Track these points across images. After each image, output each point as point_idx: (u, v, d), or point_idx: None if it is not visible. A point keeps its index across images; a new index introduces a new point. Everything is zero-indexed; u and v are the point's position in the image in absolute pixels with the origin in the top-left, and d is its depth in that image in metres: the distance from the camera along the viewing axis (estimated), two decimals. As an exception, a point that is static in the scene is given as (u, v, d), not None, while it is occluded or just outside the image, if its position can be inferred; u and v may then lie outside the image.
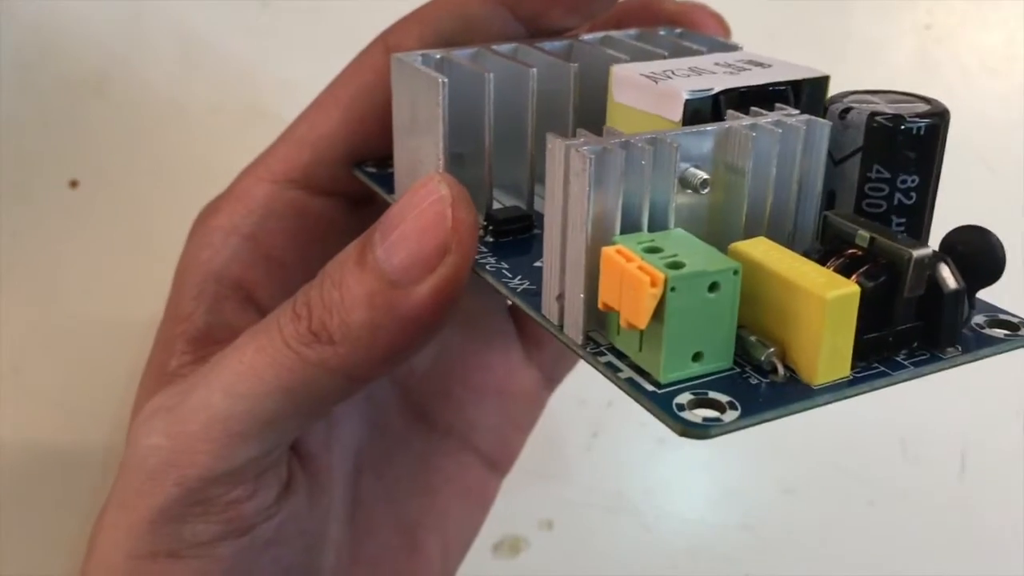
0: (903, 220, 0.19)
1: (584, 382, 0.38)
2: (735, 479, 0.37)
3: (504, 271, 0.20)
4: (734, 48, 0.24)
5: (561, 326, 0.18)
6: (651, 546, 0.36)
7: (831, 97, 0.20)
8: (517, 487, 0.36)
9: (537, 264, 0.20)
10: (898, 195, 0.19)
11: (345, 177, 0.25)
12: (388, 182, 0.24)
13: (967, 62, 0.49)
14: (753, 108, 0.19)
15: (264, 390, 0.21)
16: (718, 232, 0.18)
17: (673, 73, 0.20)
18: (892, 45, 0.49)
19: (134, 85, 0.41)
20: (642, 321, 0.16)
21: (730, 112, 0.19)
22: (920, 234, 0.20)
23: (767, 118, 0.19)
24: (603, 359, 0.17)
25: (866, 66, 0.48)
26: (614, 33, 0.24)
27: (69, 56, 0.41)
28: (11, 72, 0.40)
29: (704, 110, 0.19)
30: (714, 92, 0.19)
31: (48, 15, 0.42)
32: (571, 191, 0.17)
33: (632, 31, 0.25)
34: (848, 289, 0.16)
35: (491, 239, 0.22)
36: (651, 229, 0.18)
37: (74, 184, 0.39)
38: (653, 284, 0.16)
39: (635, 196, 0.17)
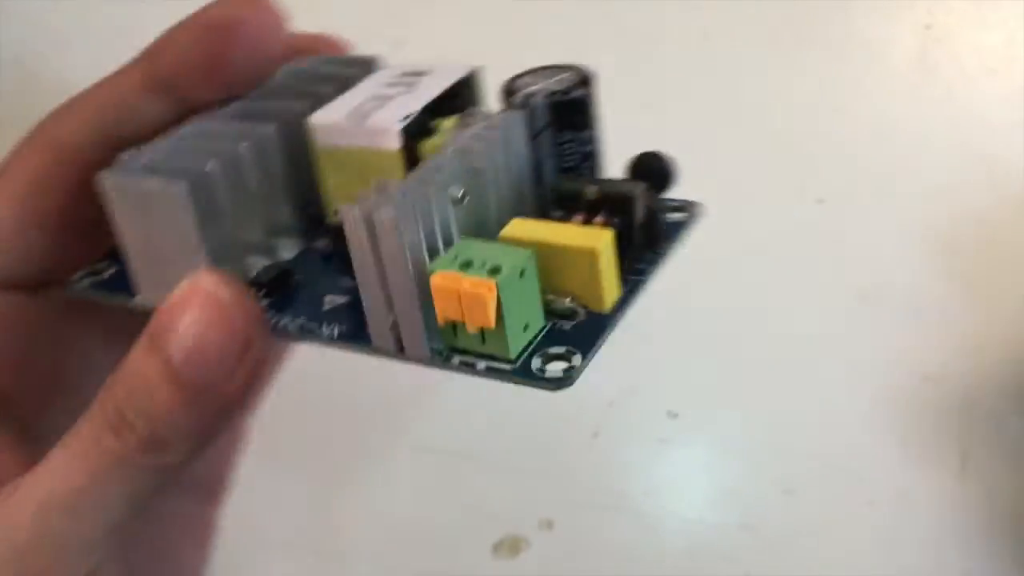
0: (588, 164, 0.24)
1: (584, 382, 0.38)
2: (735, 479, 0.38)
3: (307, 325, 0.23)
4: (373, 61, 0.27)
5: (402, 348, 0.21)
6: (651, 546, 0.36)
7: (503, 86, 0.24)
8: (517, 486, 0.36)
9: (328, 307, 0.23)
10: (581, 148, 0.24)
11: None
12: (116, 284, 0.25)
13: (967, 62, 0.49)
14: (457, 116, 0.23)
15: (100, 502, 0.22)
16: (477, 225, 0.22)
17: (365, 107, 0.24)
18: (892, 45, 0.49)
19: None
20: (492, 322, 0.20)
21: (442, 124, 0.23)
22: (602, 169, 0.25)
23: (478, 124, 0.23)
24: (454, 361, 0.21)
25: (866, 66, 0.48)
26: (270, 84, 0.26)
27: (69, 56, 0.41)
28: (11, 72, 0.40)
29: (413, 130, 0.23)
30: (417, 113, 0.23)
31: (47, 15, 0.42)
32: (384, 245, 0.20)
33: (280, 77, 0.27)
34: (606, 236, 0.21)
35: (265, 303, 0.23)
36: (445, 247, 0.21)
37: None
38: (490, 291, 0.20)
39: (430, 227, 0.21)
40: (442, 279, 0.20)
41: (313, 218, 0.25)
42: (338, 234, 0.21)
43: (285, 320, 0.23)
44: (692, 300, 0.41)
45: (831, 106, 0.46)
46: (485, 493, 0.36)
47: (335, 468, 0.35)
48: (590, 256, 0.22)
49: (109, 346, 0.26)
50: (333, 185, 0.24)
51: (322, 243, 0.25)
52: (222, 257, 0.23)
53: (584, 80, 0.24)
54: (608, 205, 0.23)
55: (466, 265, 0.21)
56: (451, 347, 0.21)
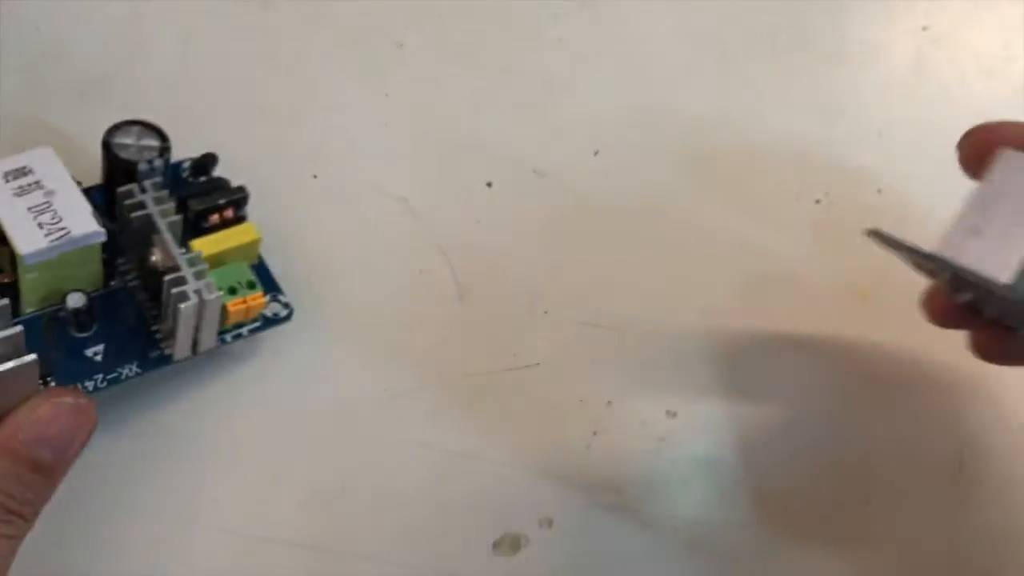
0: None
1: (584, 382, 0.38)
2: (735, 479, 0.38)
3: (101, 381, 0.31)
4: None
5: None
6: (651, 545, 0.36)
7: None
8: (517, 486, 0.36)
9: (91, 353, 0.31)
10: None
11: None
12: None
13: (964, 64, 0.49)
14: None
15: None
16: None
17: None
18: (889, 47, 0.49)
19: (134, 86, 0.41)
20: None
21: None
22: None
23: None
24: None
25: (863, 68, 0.48)
26: None
27: (69, 56, 0.41)
28: (11, 72, 0.40)
29: None
30: None
31: (48, 15, 0.42)
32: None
33: None
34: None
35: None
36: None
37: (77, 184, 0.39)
38: None
39: None
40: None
41: None
42: None
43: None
44: (692, 299, 0.41)
45: (829, 107, 0.46)
46: (485, 491, 0.36)
47: (334, 465, 0.35)
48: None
49: None
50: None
51: None
52: None
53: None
54: None
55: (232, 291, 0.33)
56: None
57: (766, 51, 0.48)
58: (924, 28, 0.49)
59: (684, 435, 0.38)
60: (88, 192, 0.32)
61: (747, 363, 0.40)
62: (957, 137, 0.32)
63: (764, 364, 0.40)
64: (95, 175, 0.35)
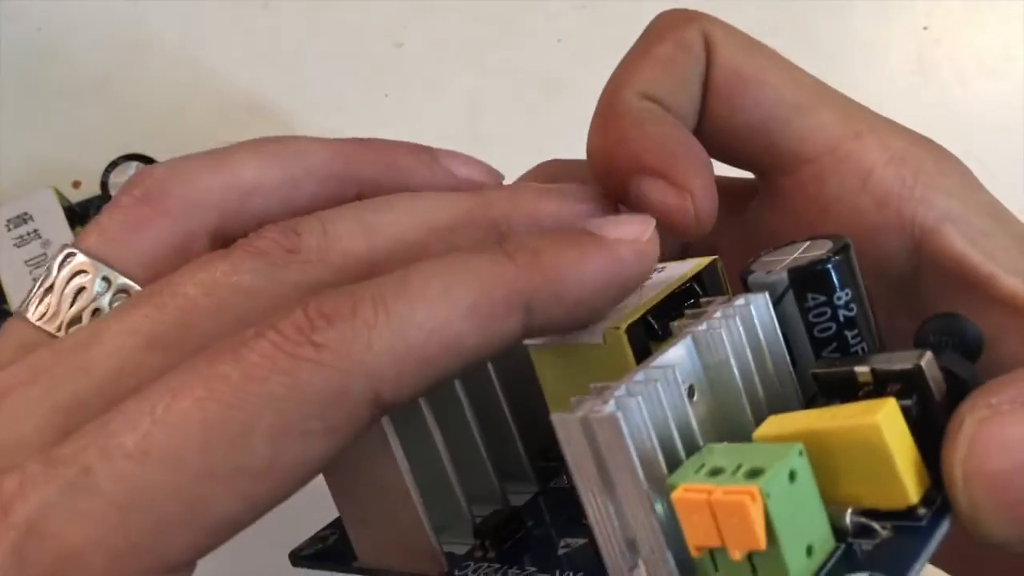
0: (856, 332, 0.20)
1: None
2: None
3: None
4: None
5: None
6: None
7: (740, 273, 0.21)
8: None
9: (563, 551, 0.20)
10: (841, 312, 0.20)
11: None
12: (334, 555, 0.23)
13: (965, 63, 0.49)
14: (689, 310, 0.20)
15: None
16: (727, 430, 0.19)
17: None
18: (890, 47, 0.49)
19: (135, 86, 0.41)
20: (761, 541, 0.15)
21: (673, 324, 0.20)
22: (874, 336, 0.21)
23: (715, 312, 0.19)
24: None
25: (863, 67, 0.48)
26: None
27: (69, 56, 0.41)
28: (11, 72, 0.40)
29: (637, 331, 0.20)
30: (641, 310, 0.20)
31: (48, 15, 0.42)
32: (608, 457, 0.17)
33: None
34: (888, 404, 0.17)
35: (493, 553, 0.21)
36: (688, 455, 0.17)
37: (76, 185, 0.39)
38: (753, 499, 0.15)
39: (664, 430, 0.17)
40: (686, 492, 0.16)
41: (550, 454, 0.22)
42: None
43: (512, 573, 0.20)
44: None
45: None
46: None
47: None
48: (871, 433, 0.16)
49: None
50: (553, 395, 0.21)
51: (564, 479, 0.22)
52: (437, 505, 0.21)
53: (838, 250, 0.21)
54: (891, 386, 0.18)
55: (715, 473, 0.16)
56: None
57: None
58: (925, 28, 0.49)
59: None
60: (86, 204, 0.31)
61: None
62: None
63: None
64: (95, 176, 0.35)
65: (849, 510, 0.17)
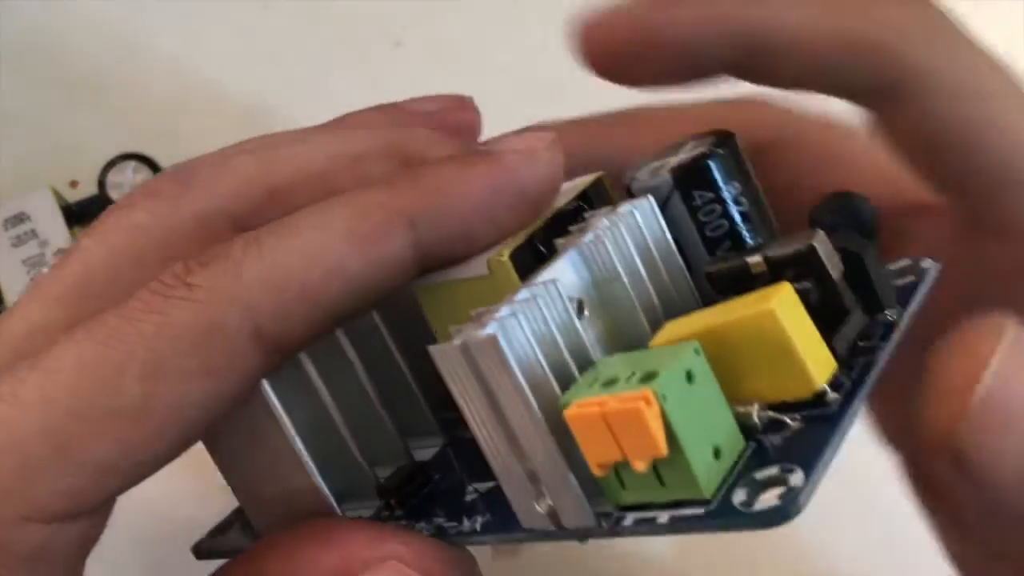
0: (750, 226, 0.19)
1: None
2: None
3: (445, 525, 0.19)
4: None
5: (559, 526, 0.17)
6: (651, 545, 0.36)
7: (624, 180, 0.20)
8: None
9: (470, 497, 0.19)
10: (731, 208, 0.19)
11: (158, 464, 0.19)
12: (235, 541, 0.21)
13: (966, 62, 0.49)
14: (570, 227, 0.19)
15: None
16: (627, 347, 0.18)
17: None
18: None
19: (133, 86, 0.41)
20: (662, 447, 0.15)
21: (558, 241, 0.19)
22: (771, 230, 0.20)
23: (599, 223, 0.18)
24: (627, 523, 0.16)
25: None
26: None
27: (67, 55, 0.41)
28: (11, 71, 0.40)
29: (525, 258, 0.19)
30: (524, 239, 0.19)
31: (48, 15, 0.42)
32: (493, 382, 0.16)
33: None
34: (782, 289, 0.16)
35: (400, 511, 0.20)
36: (581, 372, 0.17)
37: (74, 184, 0.39)
38: (648, 403, 0.14)
39: (552, 349, 0.16)
40: (580, 407, 0.15)
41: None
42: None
43: (419, 528, 0.19)
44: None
45: (830, 106, 0.46)
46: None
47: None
48: (766, 320, 0.16)
49: None
50: (445, 337, 0.19)
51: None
52: (336, 469, 0.19)
53: (721, 143, 0.20)
54: (786, 272, 0.17)
55: (609, 384, 0.15)
56: (620, 505, 0.16)
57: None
58: (926, 26, 0.49)
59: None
60: (84, 203, 0.31)
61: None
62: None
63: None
64: (93, 176, 0.35)
65: (756, 406, 0.16)
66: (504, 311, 0.16)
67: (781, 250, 0.17)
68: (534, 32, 0.47)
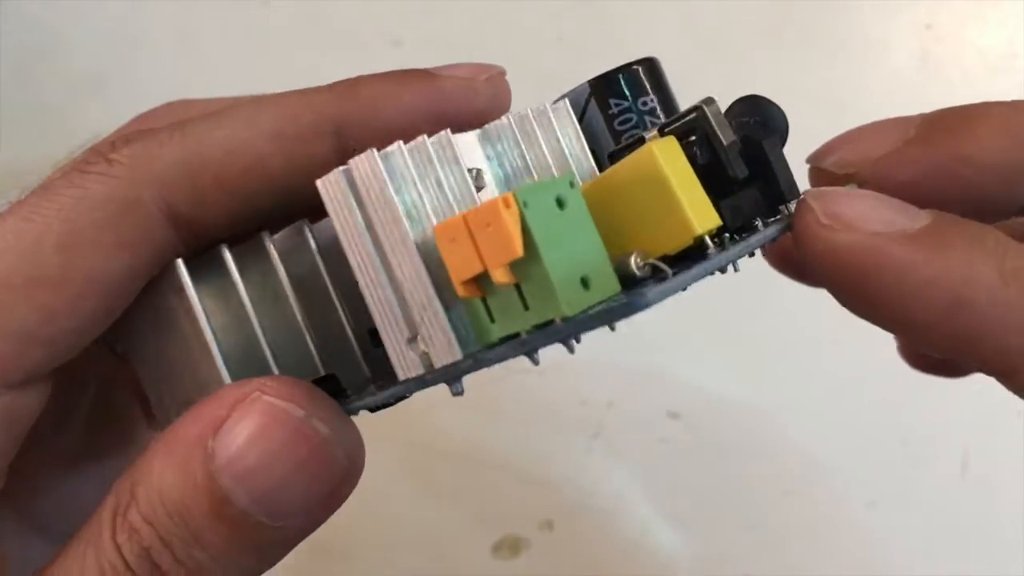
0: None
1: (584, 383, 0.38)
2: (735, 479, 0.37)
3: (351, 404, 0.18)
4: None
5: (431, 367, 0.16)
6: (651, 546, 0.36)
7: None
8: (518, 488, 0.36)
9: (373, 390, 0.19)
10: (647, 118, 0.21)
11: (83, 340, 0.19)
12: None
13: (968, 62, 0.49)
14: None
15: None
16: None
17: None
18: (893, 45, 0.49)
19: (133, 85, 0.41)
20: (517, 247, 0.15)
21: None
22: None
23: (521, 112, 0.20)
24: (495, 350, 0.16)
25: (867, 65, 0.48)
26: None
27: (69, 56, 0.41)
28: (10, 71, 0.40)
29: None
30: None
31: (47, 14, 0.42)
32: (369, 205, 0.16)
33: None
34: (666, 141, 0.17)
35: None
36: None
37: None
38: (507, 205, 0.15)
39: (435, 187, 0.17)
40: (443, 226, 0.16)
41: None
42: None
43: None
44: (691, 300, 0.40)
45: (832, 106, 0.46)
46: (485, 493, 0.36)
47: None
48: (646, 162, 0.17)
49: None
50: None
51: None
52: (243, 368, 0.19)
53: (642, 61, 0.21)
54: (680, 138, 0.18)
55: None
56: (490, 344, 0.16)
57: (768, 49, 0.48)
58: (927, 26, 0.49)
59: (685, 435, 0.38)
60: None
61: (750, 363, 0.40)
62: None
63: (767, 365, 0.40)
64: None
65: (635, 253, 0.17)
66: (392, 147, 0.17)
67: (674, 121, 0.18)
68: (534, 30, 0.46)
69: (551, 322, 0.15)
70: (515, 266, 0.15)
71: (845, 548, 0.37)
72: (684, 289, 0.16)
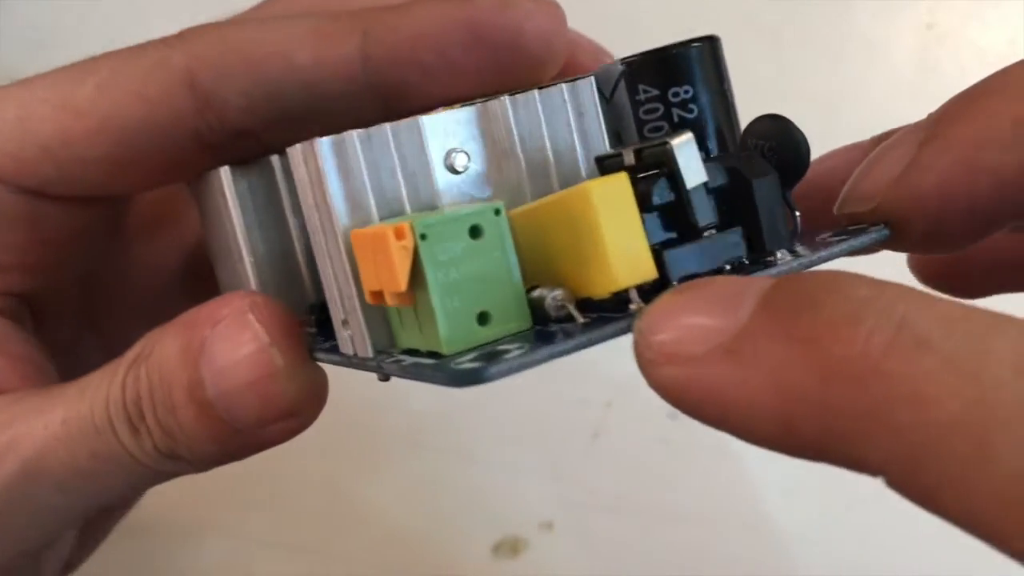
0: (692, 128, 0.18)
1: (584, 382, 0.38)
2: (735, 479, 0.37)
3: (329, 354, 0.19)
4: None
5: (355, 353, 0.16)
6: (651, 546, 0.36)
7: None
8: (517, 487, 0.36)
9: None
10: (675, 111, 0.18)
11: (92, 178, 0.22)
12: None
13: (968, 62, 0.49)
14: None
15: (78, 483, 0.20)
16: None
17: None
18: (893, 45, 0.49)
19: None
20: (399, 282, 0.14)
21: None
22: (727, 148, 0.18)
23: (528, 93, 0.18)
24: (387, 362, 0.16)
25: (867, 66, 0.48)
26: None
27: (66, 54, 0.41)
28: (10, 70, 0.40)
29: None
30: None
31: (47, 14, 0.42)
32: (316, 190, 0.16)
33: None
34: (613, 177, 0.15)
35: (316, 329, 0.20)
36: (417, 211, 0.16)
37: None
38: (399, 236, 0.14)
39: (387, 179, 0.16)
40: (363, 232, 0.15)
41: None
42: None
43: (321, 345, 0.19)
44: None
45: (832, 105, 0.46)
46: (485, 493, 0.36)
47: (334, 468, 0.35)
48: (580, 200, 0.14)
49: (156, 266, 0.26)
50: None
51: None
52: (271, 271, 0.20)
53: (696, 40, 0.19)
54: (650, 168, 0.16)
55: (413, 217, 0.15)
56: (401, 349, 0.16)
57: (768, 49, 0.48)
58: (928, 26, 0.49)
59: (685, 435, 0.38)
60: None
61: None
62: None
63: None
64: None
65: (554, 291, 0.15)
66: (353, 132, 0.16)
67: (652, 147, 0.16)
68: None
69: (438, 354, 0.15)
70: (407, 294, 0.14)
71: (845, 548, 0.37)
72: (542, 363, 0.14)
